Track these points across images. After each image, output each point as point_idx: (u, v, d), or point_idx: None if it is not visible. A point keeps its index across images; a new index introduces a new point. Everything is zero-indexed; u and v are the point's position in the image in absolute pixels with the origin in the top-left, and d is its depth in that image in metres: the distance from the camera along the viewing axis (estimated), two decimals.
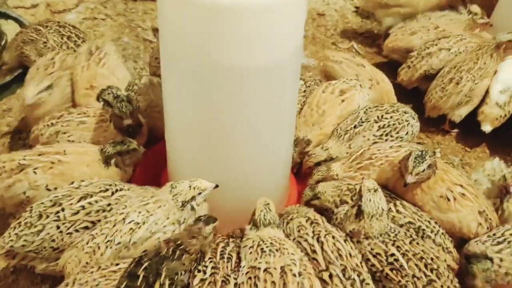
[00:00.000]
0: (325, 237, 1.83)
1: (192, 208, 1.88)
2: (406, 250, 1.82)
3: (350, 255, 1.79)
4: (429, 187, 2.09)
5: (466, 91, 2.77)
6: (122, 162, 2.17)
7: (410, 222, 2.03)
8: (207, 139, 1.90)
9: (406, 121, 2.48)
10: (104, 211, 1.90)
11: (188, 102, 1.84)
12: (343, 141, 2.42)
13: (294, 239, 1.87)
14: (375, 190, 1.88)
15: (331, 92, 2.56)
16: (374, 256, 1.84)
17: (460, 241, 2.12)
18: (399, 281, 1.77)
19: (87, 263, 1.81)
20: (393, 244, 1.84)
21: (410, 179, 2.01)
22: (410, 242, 1.86)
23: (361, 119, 2.45)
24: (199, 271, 1.69)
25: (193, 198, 1.86)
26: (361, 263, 1.80)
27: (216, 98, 1.76)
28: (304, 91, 2.68)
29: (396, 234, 1.88)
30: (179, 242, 1.70)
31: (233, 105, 1.77)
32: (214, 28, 1.57)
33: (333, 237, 1.84)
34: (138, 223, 1.82)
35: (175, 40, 1.70)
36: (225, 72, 1.67)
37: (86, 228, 1.89)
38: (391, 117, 2.46)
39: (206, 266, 1.70)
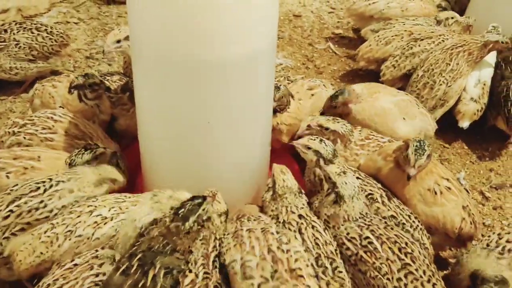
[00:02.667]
0: (305, 229, 1.84)
1: None
2: (380, 234, 1.82)
3: (326, 242, 1.83)
4: (420, 177, 2.06)
5: (440, 95, 2.78)
6: None
7: (392, 216, 2.01)
8: (182, 136, 1.85)
9: None
10: (37, 209, 1.84)
11: (162, 99, 1.79)
12: None
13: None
14: (344, 172, 1.91)
15: (301, 85, 2.65)
16: (349, 240, 1.84)
17: None
18: (373, 263, 1.76)
19: (41, 253, 1.75)
20: (367, 228, 1.84)
21: (413, 172, 2.00)
22: (385, 227, 1.86)
23: None
24: (190, 271, 1.67)
25: (171, 208, 1.80)
26: (336, 250, 1.82)
27: (190, 93, 1.71)
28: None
29: (371, 220, 1.88)
30: (166, 241, 1.67)
31: (208, 100, 1.73)
32: (185, 22, 1.54)
33: (313, 226, 1.85)
34: (105, 218, 1.78)
35: (145, 36, 1.65)
36: (199, 66, 1.63)
37: (23, 230, 1.83)
38: None
39: (199, 271, 1.68)
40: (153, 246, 1.64)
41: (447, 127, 2.88)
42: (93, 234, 1.77)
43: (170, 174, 1.92)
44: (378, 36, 3.17)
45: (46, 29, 2.98)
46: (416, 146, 1.99)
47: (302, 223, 1.87)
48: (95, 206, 1.82)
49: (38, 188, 1.88)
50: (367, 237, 1.82)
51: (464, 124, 2.80)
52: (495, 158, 2.91)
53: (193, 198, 1.74)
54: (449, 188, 2.07)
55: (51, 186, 1.89)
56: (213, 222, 1.80)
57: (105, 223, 1.78)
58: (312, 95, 2.62)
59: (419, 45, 2.97)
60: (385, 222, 1.92)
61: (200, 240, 1.77)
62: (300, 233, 1.84)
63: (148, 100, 1.86)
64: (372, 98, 2.49)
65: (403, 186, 2.09)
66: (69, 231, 1.77)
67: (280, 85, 2.39)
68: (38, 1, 3.83)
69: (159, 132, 1.90)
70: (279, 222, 1.88)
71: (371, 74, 3.22)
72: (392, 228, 1.87)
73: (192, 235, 1.71)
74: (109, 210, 1.80)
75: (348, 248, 1.83)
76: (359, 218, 1.88)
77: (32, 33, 2.93)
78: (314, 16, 4.00)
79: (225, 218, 1.87)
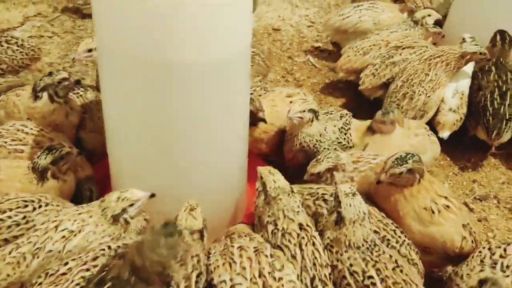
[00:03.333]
0: (306, 245, 1.75)
1: (126, 222, 1.71)
2: (386, 276, 1.67)
3: (323, 265, 1.73)
4: (412, 195, 1.96)
5: (420, 105, 2.74)
6: (58, 171, 1.99)
7: (374, 231, 1.90)
8: (154, 146, 1.76)
9: None
10: (18, 225, 1.76)
11: (132, 105, 1.69)
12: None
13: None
14: (353, 194, 1.77)
15: (279, 92, 2.62)
16: (351, 274, 1.70)
17: None
18: None
19: (8, 275, 1.64)
20: (373, 266, 1.70)
21: (382, 177, 1.92)
22: (394, 268, 1.70)
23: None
24: None
25: (124, 210, 1.69)
26: (329, 274, 1.73)
27: (162, 98, 1.63)
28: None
29: (379, 254, 1.74)
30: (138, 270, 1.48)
31: (181, 105, 1.65)
32: (156, 24, 1.46)
33: (314, 243, 1.76)
34: (72, 231, 1.68)
35: (111, 36, 1.57)
36: (171, 70, 1.56)
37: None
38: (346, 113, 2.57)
39: None
40: (124, 273, 1.48)
41: None
42: (64, 248, 1.67)
43: (141, 185, 1.81)
44: (356, 47, 3.14)
45: (16, 42, 2.87)
46: (400, 156, 1.92)
47: (303, 237, 1.76)
48: (60, 221, 1.71)
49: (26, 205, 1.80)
50: (371, 277, 1.68)
51: (444, 134, 2.76)
52: (478, 169, 2.86)
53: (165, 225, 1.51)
54: (448, 206, 1.96)
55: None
56: (184, 239, 1.68)
57: (74, 235, 1.68)
58: (291, 102, 2.56)
59: (400, 54, 2.94)
60: (396, 261, 1.75)
61: (177, 262, 1.64)
62: (301, 249, 1.74)
63: (116, 108, 1.77)
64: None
65: (395, 202, 1.98)
66: (37, 248, 1.66)
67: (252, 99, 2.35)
68: (11, 15, 3.74)
69: (129, 141, 1.81)
70: (278, 230, 1.78)
71: (351, 87, 3.18)
72: (401, 271, 1.71)
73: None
74: (72, 224, 1.69)
75: (348, 284, 1.70)
76: (364, 246, 1.74)
77: (2, 46, 2.82)
78: (294, 30, 3.97)
79: (199, 236, 1.72)
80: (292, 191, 1.87)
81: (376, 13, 3.35)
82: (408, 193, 1.96)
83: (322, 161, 2.13)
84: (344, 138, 2.40)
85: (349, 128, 2.45)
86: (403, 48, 2.96)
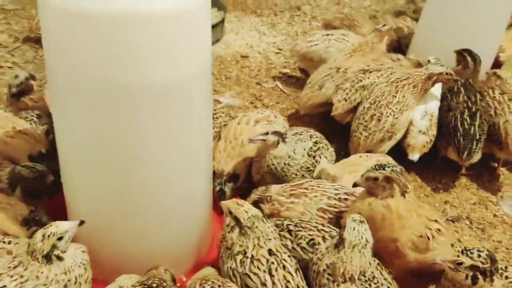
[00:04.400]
0: (276, 270, 1.69)
1: (59, 258, 1.55)
2: None
3: (298, 286, 1.70)
4: (404, 217, 1.85)
5: (388, 127, 2.71)
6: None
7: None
8: (108, 173, 1.63)
9: (326, 145, 2.50)
10: None
11: (83, 132, 1.58)
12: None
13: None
14: (361, 222, 1.73)
15: (246, 122, 2.51)
16: None
17: None
18: None
19: None
20: None
21: (358, 180, 1.88)
22: None
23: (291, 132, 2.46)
24: None
25: (54, 247, 1.54)
26: None
27: (113, 122, 1.51)
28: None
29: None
30: None
31: (134, 130, 1.54)
32: (105, 42, 1.38)
33: (284, 267, 1.70)
34: None
35: (59, 56, 1.47)
36: (121, 92, 1.45)
37: None
38: (314, 132, 2.54)
39: None
40: None
41: (399, 160, 2.77)
42: None
43: (93, 218, 1.68)
44: (310, 82, 3.07)
45: None
46: (380, 164, 1.88)
47: (272, 262, 1.70)
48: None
49: None
50: None
51: (414, 157, 2.74)
52: (449, 190, 2.84)
53: None
54: (439, 230, 1.91)
55: None
56: None
57: None
58: None
59: (368, 78, 2.91)
60: None
61: None
62: (271, 274, 1.67)
63: (68, 134, 1.64)
64: None
65: (391, 227, 1.86)
66: None
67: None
68: None
69: (81, 170, 1.68)
70: (247, 257, 1.70)
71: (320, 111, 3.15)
72: None
73: None
74: (10, 282, 1.51)
75: None
76: (362, 279, 1.68)
77: None
78: (262, 56, 3.96)
79: None
80: (264, 216, 1.82)
81: (345, 46, 3.30)
82: (397, 214, 1.86)
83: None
84: (312, 163, 2.35)
85: (318, 149, 2.40)
86: (370, 72, 2.94)
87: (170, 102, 1.53)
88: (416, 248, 1.87)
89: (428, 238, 1.87)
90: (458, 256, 1.71)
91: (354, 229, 1.70)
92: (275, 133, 2.24)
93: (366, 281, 1.70)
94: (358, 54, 3.05)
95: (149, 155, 1.59)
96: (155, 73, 1.45)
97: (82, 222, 1.59)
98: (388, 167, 1.85)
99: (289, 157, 2.27)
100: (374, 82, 2.88)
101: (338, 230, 1.90)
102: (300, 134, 2.45)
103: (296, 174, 2.29)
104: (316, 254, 1.82)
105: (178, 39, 1.43)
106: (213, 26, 4.04)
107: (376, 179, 1.84)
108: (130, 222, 1.68)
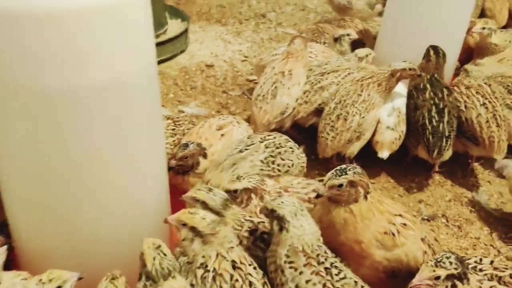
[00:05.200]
0: (241, 287, 1.58)
1: None
2: None
3: None
4: (366, 218, 1.77)
5: (355, 126, 2.63)
6: None
7: None
8: (45, 185, 1.46)
9: (290, 148, 2.35)
10: None
11: (14, 144, 1.41)
12: (225, 168, 2.15)
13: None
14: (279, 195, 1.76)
15: (209, 127, 2.42)
16: None
17: None
18: None
19: None
20: None
21: (321, 190, 1.76)
22: None
23: (246, 143, 2.27)
24: None
25: None
26: None
27: (42, 131, 1.36)
28: (173, 129, 2.53)
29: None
30: None
31: (71, 138, 1.39)
32: (24, 42, 1.23)
33: (251, 283, 1.59)
34: None
35: None
36: (49, 96, 1.30)
37: None
38: (274, 137, 2.36)
39: None
40: None
41: (370, 162, 2.71)
42: None
43: (39, 239, 1.53)
44: (259, 95, 2.87)
45: None
46: (340, 168, 1.77)
47: (237, 279, 1.57)
48: None
49: None
50: None
51: (384, 154, 2.65)
52: (423, 188, 2.77)
53: None
54: (405, 224, 1.83)
55: None
56: None
57: None
58: (222, 135, 2.40)
59: (326, 79, 2.86)
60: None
61: None
62: None
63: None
64: None
65: (355, 230, 1.77)
66: None
67: (191, 143, 2.20)
68: None
69: (19, 188, 1.52)
70: (208, 271, 1.58)
71: None
72: None
73: None
74: None
75: None
76: (321, 258, 1.63)
77: None
78: (227, 65, 3.88)
79: None
80: (180, 271, 1.64)
81: (310, 58, 3.16)
82: (360, 218, 1.77)
83: (244, 179, 1.97)
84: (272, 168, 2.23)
85: (279, 153, 2.28)
86: (328, 73, 2.89)
87: (107, 104, 1.39)
88: (382, 246, 1.78)
89: (393, 234, 1.78)
90: (434, 270, 1.62)
91: (283, 202, 1.67)
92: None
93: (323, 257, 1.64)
94: (291, 59, 2.94)
95: (89, 164, 1.44)
96: (85, 74, 1.31)
97: (80, 278, 1.47)
98: (350, 169, 1.76)
99: None
100: (333, 82, 2.83)
101: None
102: (246, 149, 2.24)
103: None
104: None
105: (109, 36, 1.31)
106: (177, 37, 3.96)
107: (340, 185, 1.73)
108: (69, 240, 1.53)
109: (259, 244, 1.81)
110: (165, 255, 1.51)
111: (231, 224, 1.77)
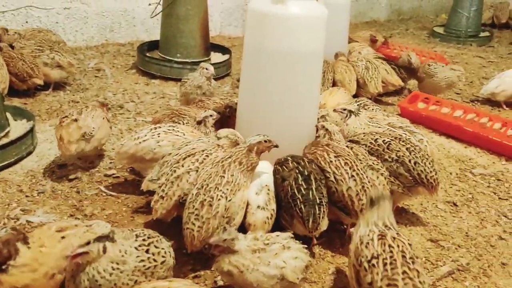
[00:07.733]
0: None
1: None
2: None
3: None
4: None
5: (222, 211, 2.41)
6: None
7: None
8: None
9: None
10: None
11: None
12: None
13: None
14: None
15: (48, 228, 2.13)
16: None
17: None
18: None
19: None
20: None
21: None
22: None
23: None
24: None
25: None
26: None
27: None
28: None
29: None
30: None
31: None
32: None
33: None
34: None
35: None
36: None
37: None
38: None
39: None
40: None
41: None
42: None
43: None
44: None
45: None
46: None
47: None
48: None
49: None
50: None
51: None
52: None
53: None
54: None
55: None
56: None
57: None
58: (63, 237, 2.09)
59: (183, 166, 2.66)
60: None
61: None
62: None
63: None
64: None
65: None
66: None
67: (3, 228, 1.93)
68: None
69: None
70: None
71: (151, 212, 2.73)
72: None
73: None
74: None
75: None
76: None
77: None
78: (80, 161, 3.48)
79: None
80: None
81: (177, 137, 3.02)
82: None
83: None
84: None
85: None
86: (184, 159, 2.69)
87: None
88: None
89: None
90: None
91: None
92: (99, 238, 1.93)
93: None
94: None
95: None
96: None
97: None
98: None
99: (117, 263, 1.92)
100: (190, 169, 2.63)
101: None
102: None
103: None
104: None
105: None
106: (21, 138, 3.53)
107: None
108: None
109: None
110: None
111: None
